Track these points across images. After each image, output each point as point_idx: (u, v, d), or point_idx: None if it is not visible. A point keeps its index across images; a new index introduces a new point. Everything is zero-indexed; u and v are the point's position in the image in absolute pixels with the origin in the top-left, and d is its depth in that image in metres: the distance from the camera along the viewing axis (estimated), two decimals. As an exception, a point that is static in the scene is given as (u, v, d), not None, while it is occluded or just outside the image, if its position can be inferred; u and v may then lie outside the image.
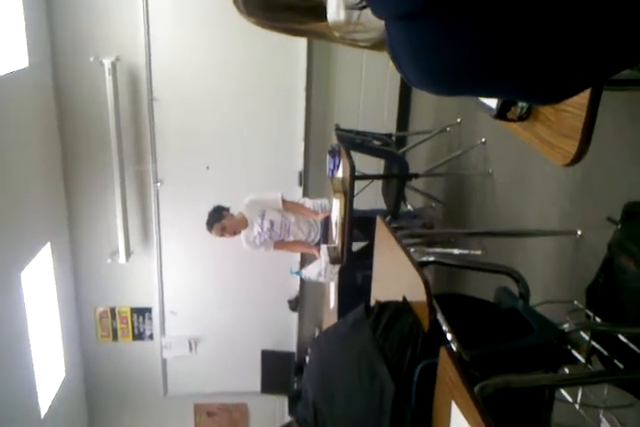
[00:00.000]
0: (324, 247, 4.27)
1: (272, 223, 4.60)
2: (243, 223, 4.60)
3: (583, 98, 1.29)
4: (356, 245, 4.08)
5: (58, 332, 5.94)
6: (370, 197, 4.81)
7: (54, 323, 5.87)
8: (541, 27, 0.68)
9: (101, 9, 5.43)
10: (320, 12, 1.14)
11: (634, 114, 2.43)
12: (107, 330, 6.61)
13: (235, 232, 4.58)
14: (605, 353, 1.92)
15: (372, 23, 1.01)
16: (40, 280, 5.45)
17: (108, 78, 5.45)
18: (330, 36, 1.17)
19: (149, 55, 5.62)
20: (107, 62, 5.42)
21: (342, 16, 1.09)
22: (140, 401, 6.85)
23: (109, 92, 5.50)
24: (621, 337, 1.87)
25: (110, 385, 6.73)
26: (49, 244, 5.57)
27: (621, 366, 1.88)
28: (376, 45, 1.10)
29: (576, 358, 1.93)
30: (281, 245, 4.77)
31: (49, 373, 5.67)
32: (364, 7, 0.91)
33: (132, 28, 5.51)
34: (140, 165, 5.99)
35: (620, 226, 2.00)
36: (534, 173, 3.34)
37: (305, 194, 5.91)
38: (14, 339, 4.83)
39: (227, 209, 4.61)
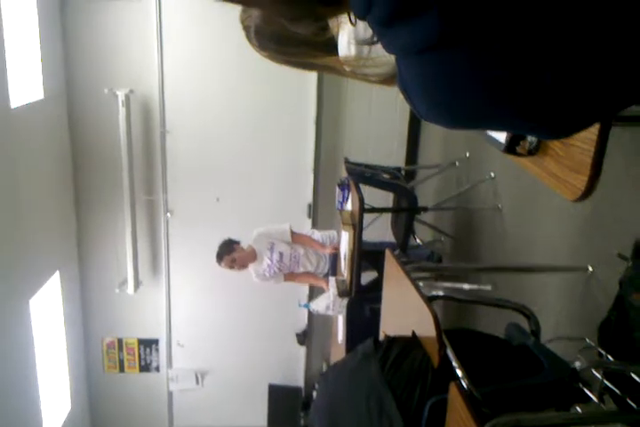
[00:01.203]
0: (332, 280, 4.25)
1: (281, 255, 4.60)
2: (252, 256, 4.61)
3: (592, 133, 1.29)
4: (365, 278, 4.06)
5: (64, 362, 5.90)
6: (379, 231, 4.81)
7: (61, 352, 5.84)
8: (553, 62, 0.68)
9: (116, 42, 5.56)
10: (332, 47, 1.15)
11: (642, 150, 2.43)
12: (113, 361, 6.56)
13: (244, 265, 4.59)
14: (618, 392, 1.89)
15: (383, 58, 1.02)
16: (48, 309, 5.44)
17: (122, 110, 5.53)
18: (341, 71, 1.18)
19: (162, 88, 5.71)
20: (120, 94, 5.51)
21: (353, 51, 1.10)
22: (145, 434, 6.75)
23: (122, 124, 5.58)
24: (634, 376, 1.83)
25: (116, 417, 6.65)
26: (58, 272, 5.58)
27: (634, 405, 1.84)
28: (386, 80, 1.11)
29: (588, 396, 1.89)
30: (290, 276, 4.76)
31: (55, 404, 5.62)
32: (375, 42, 0.93)
33: (145, 60, 5.62)
34: (150, 195, 6.03)
35: (631, 263, 1.98)
36: (544, 207, 3.34)
37: (314, 226, 5.91)
38: (21, 368, 4.80)
39: (237, 242, 4.62)
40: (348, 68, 1.16)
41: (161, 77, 5.67)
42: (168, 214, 6.07)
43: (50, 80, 5.28)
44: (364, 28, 0.99)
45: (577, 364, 1.80)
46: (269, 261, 4.59)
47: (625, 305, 1.94)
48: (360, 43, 1.02)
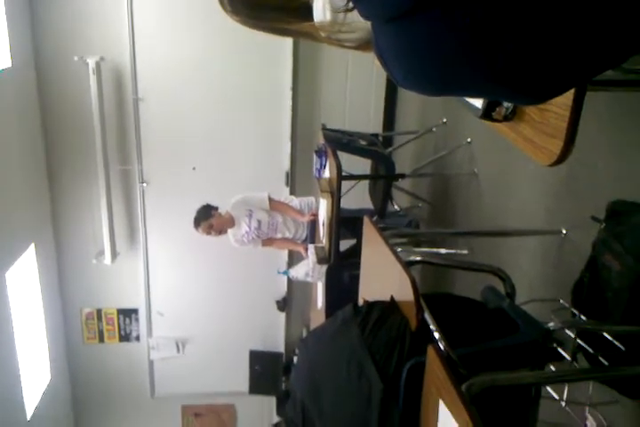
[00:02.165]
0: (311, 247, 4.27)
1: (259, 223, 4.60)
2: (230, 222, 4.60)
3: (567, 98, 1.30)
4: (344, 245, 4.09)
5: (43, 334, 5.90)
6: (357, 197, 4.82)
7: (39, 325, 5.83)
8: (528, 27, 0.68)
9: (85, 8, 5.40)
10: (306, 12, 1.14)
11: (616, 114, 2.45)
12: (93, 332, 6.57)
13: (221, 231, 4.58)
14: (591, 351, 1.94)
15: (359, 24, 1.01)
16: (25, 282, 5.40)
17: (93, 78, 5.42)
18: (316, 36, 1.17)
19: (134, 55, 5.59)
20: (91, 62, 5.38)
21: (328, 16, 1.09)
22: (127, 403, 6.81)
23: (94, 92, 5.47)
24: (606, 335, 1.88)
25: (97, 387, 6.69)
26: (33, 245, 5.53)
27: (606, 363, 1.90)
28: (362, 46, 1.10)
29: (562, 355, 1.94)
30: (268, 241, 4.78)
31: (34, 375, 5.63)
32: (351, 9, 0.92)
33: (116, 27, 5.48)
34: (125, 165, 5.96)
35: (604, 225, 2.01)
36: (519, 172, 3.37)
37: (292, 193, 5.90)
38: (-1, 341, 4.80)
39: (215, 208, 4.61)
40: (323, 34, 1.15)
41: (132, 44, 5.54)
42: (144, 184, 6.01)
43: (17, 48, 5.13)
44: (339, -7, 0.98)
45: (551, 324, 1.84)
46: (247, 228, 4.59)
47: (597, 266, 1.98)
48: (335, 9, 1.01)
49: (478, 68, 0.73)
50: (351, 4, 0.89)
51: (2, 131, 4.89)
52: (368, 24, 0.88)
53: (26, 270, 5.43)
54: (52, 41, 5.48)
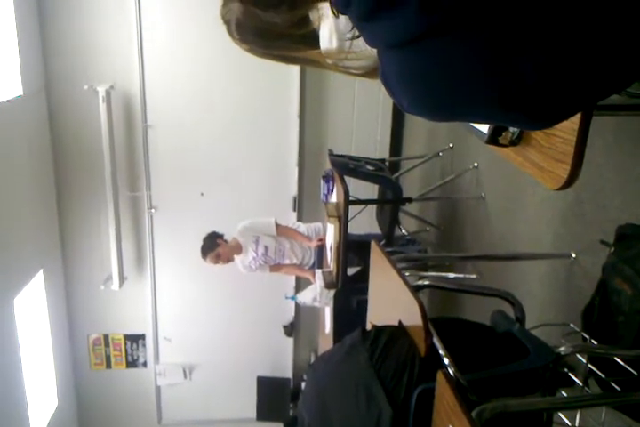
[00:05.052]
0: (318, 272, 4.26)
1: (266, 249, 4.61)
2: (237, 249, 4.61)
3: (574, 123, 1.31)
4: (351, 270, 4.08)
5: (50, 359, 5.87)
6: (364, 222, 4.82)
7: (47, 350, 5.81)
8: (532, 52, 0.69)
9: (96, 37, 5.50)
10: (313, 40, 1.15)
11: (622, 138, 2.46)
12: (100, 357, 6.54)
13: (229, 259, 4.60)
14: (602, 376, 1.92)
15: (365, 51, 1.03)
16: (33, 307, 5.40)
17: (102, 106, 5.48)
18: (323, 64, 1.18)
19: (143, 83, 5.67)
20: (101, 90, 5.45)
21: (335, 44, 1.11)
22: (134, 430, 6.75)
23: (103, 120, 5.53)
24: (618, 360, 1.86)
25: (104, 413, 6.63)
26: (42, 270, 5.54)
27: (618, 388, 1.88)
28: (368, 73, 1.11)
29: (573, 380, 1.92)
30: (276, 267, 4.78)
31: (41, 401, 5.59)
32: (357, 36, 0.93)
33: (126, 56, 5.57)
34: (133, 191, 6.00)
35: (613, 248, 2.01)
36: (527, 196, 3.37)
37: (299, 219, 5.92)
38: (6, 366, 4.77)
39: (221, 236, 4.62)
40: (329, 61, 1.17)
41: (142, 72, 5.62)
42: (152, 210, 6.04)
43: (29, 76, 5.21)
44: (345, 21, 1.00)
45: (561, 349, 1.82)
46: (255, 254, 4.60)
47: (608, 290, 1.97)
48: (342, 37, 1.02)
49: (487, 94, 0.74)
50: (357, 32, 0.91)
51: (12, 158, 4.94)
52: (374, 51, 0.89)
53: (34, 296, 5.43)
54: (63, 69, 5.56)
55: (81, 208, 5.95)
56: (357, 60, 1.08)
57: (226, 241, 4.61)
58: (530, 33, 0.69)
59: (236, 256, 4.64)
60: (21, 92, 5.08)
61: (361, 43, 0.96)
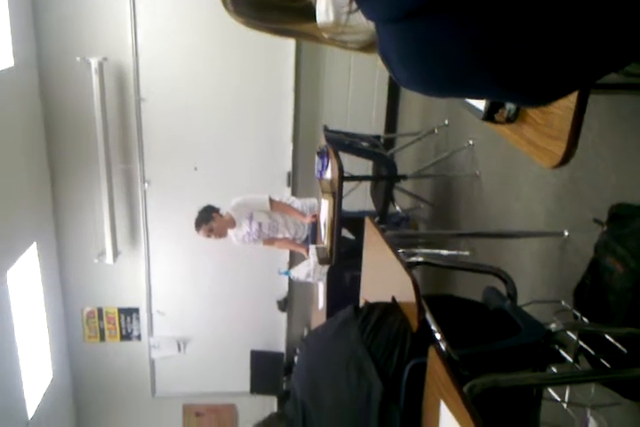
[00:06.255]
0: (312, 248, 4.28)
1: (260, 225, 4.62)
2: (230, 224, 4.62)
3: (570, 101, 1.30)
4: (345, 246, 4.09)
5: (45, 332, 5.90)
6: (358, 199, 4.83)
7: (41, 324, 5.83)
8: (531, 29, 0.69)
9: (88, 8, 5.41)
10: (309, 13, 1.14)
11: (618, 117, 2.45)
12: (94, 330, 6.58)
13: (221, 235, 4.60)
14: (592, 353, 1.94)
15: (362, 25, 1.01)
16: (26, 280, 5.41)
17: (95, 78, 5.42)
18: (319, 38, 1.17)
19: (137, 55, 5.60)
20: (93, 62, 5.39)
21: (331, 17, 1.09)
22: (129, 402, 6.82)
23: (96, 92, 5.48)
24: (608, 337, 1.88)
25: (98, 386, 6.70)
26: (35, 244, 5.53)
27: (608, 365, 1.90)
28: (365, 47, 1.10)
29: (563, 357, 1.94)
30: (270, 241, 4.80)
31: (36, 374, 5.64)
32: (355, 10, 0.92)
33: (119, 27, 5.49)
34: (127, 164, 5.96)
35: (605, 227, 2.02)
36: (521, 174, 3.37)
37: (293, 194, 5.91)
38: (0, 339, 4.80)
39: (216, 210, 4.61)
40: (325, 35, 1.15)
41: (135, 45, 5.55)
42: (145, 184, 6.02)
43: (20, 47, 5.13)
44: (342, -6, 0.98)
45: (552, 326, 1.84)
46: (249, 229, 4.61)
47: (599, 269, 1.99)
48: (338, 10, 1.01)
49: (486, 71, 0.73)
50: (354, 6, 0.89)
51: (4, 130, 4.89)
52: (371, 26, 0.88)
53: (27, 269, 5.43)
54: (55, 41, 5.48)
55: (74, 181, 5.92)
56: (354, 34, 1.06)
57: (221, 215, 4.61)
58: (529, 10, 0.68)
59: (229, 230, 4.66)
60: (12, 64, 5.01)
61: (358, 17, 0.95)
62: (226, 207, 4.66)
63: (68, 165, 5.88)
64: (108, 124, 5.67)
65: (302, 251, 4.77)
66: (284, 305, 6.65)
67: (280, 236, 4.73)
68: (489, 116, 1.51)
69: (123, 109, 5.80)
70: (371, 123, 5.92)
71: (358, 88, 5.89)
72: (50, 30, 5.45)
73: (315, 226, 4.55)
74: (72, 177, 5.91)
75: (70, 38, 5.46)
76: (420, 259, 2.38)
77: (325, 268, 4.23)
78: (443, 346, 1.63)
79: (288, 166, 6.10)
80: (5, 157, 4.90)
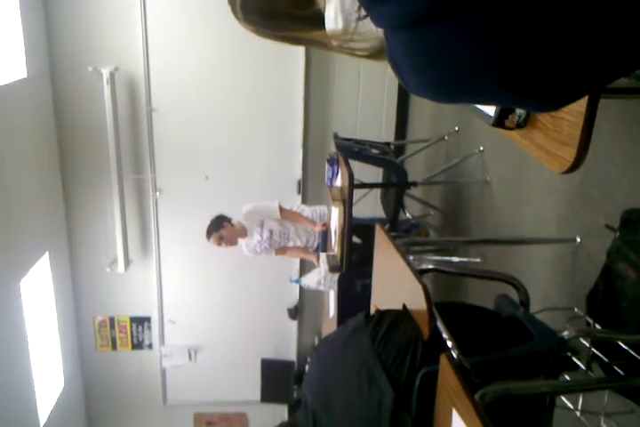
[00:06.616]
0: (323, 255, 4.27)
1: (271, 232, 4.62)
2: (242, 233, 4.63)
3: (581, 106, 1.29)
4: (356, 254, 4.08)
5: (57, 341, 5.93)
6: (369, 206, 4.82)
7: (53, 332, 5.85)
8: (541, 33, 0.69)
9: (100, 19, 5.46)
10: (318, 21, 1.14)
11: (629, 122, 2.44)
12: (106, 339, 6.59)
13: (232, 243, 4.61)
14: (606, 360, 1.92)
15: (371, 32, 1.02)
16: (39, 289, 5.44)
17: (107, 88, 5.47)
18: (328, 45, 1.17)
19: (148, 65, 5.64)
20: (105, 72, 5.43)
21: (340, 25, 1.10)
22: (140, 410, 6.82)
23: (108, 102, 5.52)
24: (621, 344, 1.87)
25: (109, 394, 6.71)
26: (47, 253, 5.56)
27: (622, 372, 1.88)
28: (374, 55, 1.10)
29: (576, 364, 1.93)
30: (282, 250, 4.80)
31: (48, 382, 5.65)
32: (363, 17, 0.92)
33: (130, 38, 5.54)
34: (138, 174, 6.00)
35: (618, 233, 2.00)
36: (532, 180, 3.35)
37: (304, 202, 5.92)
38: (13, 348, 4.82)
39: (228, 219, 4.63)
40: (335, 43, 1.16)
41: (146, 55, 5.59)
42: (157, 193, 6.04)
43: (33, 58, 5.19)
44: (351, 1, 0.99)
45: (565, 333, 1.82)
46: (260, 237, 4.62)
47: (612, 275, 1.97)
48: (347, 17, 1.01)
49: (495, 75, 0.73)
50: (363, 13, 0.89)
51: (17, 140, 4.94)
52: (380, 33, 0.88)
53: (40, 279, 5.46)
54: (67, 51, 5.54)
55: (86, 191, 5.96)
56: (363, 41, 1.07)
57: (232, 225, 4.62)
58: (539, 14, 0.68)
59: (240, 240, 4.66)
60: (25, 75, 5.07)
61: (367, 24, 0.95)
62: (237, 217, 4.67)
63: (80, 174, 5.92)
64: (119, 133, 5.71)
65: (313, 259, 4.77)
66: (295, 313, 6.64)
67: (291, 244, 4.72)
68: (499, 121, 1.51)
69: (134, 119, 5.85)
70: (381, 130, 5.92)
71: (368, 95, 5.90)
72: (62, 40, 5.51)
73: (325, 234, 4.55)
74: (84, 187, 5.95)
75: (82, 48, 5.52)
76: (431, 266, 2.37)
77: (336, 275, 4.23)
78: (454, 354, 1.62)
79: (298, 174, 6.11)
80: (18, 167, 4.94)
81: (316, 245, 4.72)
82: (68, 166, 5.89)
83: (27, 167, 5.16)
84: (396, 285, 2.09)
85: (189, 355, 6.68)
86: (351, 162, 4.03)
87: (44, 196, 5.58)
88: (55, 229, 5.87)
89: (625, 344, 1.86)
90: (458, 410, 1.38)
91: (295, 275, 6.05)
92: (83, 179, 5.93)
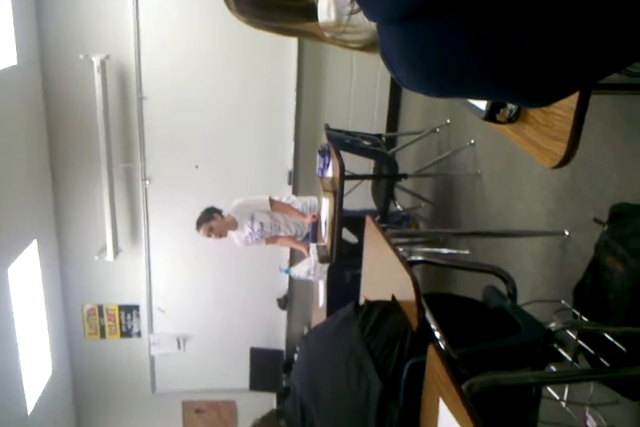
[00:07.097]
0: (313, 246, 4.28)
1: (262, 225, 4.65)
2: (232, 225, 4.64)
3: (572, 101, 1.30)
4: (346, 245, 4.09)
5: (45, 329, 5.92)
6: (359, 197, 4.83)
7: (41, 320, 5.84)
8: (533, 28, 0.69)
9: (91, 7, 5.41)
10: (311, 13, 1.14)
11: (619, 117, 2.45)
12: (94, 327, 6.59)
13: (221, 234, 4.61)
14: (592, 352, 1.94)
15: (363, 25, 1.02)
16: (27, 277, 5.42)
17: (97, 76, 5.43)
18: (321, 37, 1.17)
19: (139, 53, 5.60)
20: (96, 60, 5.39)
21: (333, 17, 1.10)
22: (128, 399, 6.83)
23: (98, 90, 5.48)
24: (607, 336, 1.89)
25: (98, 383, 6.71)
26: (35, 241, 5.54)
27: (607, 364, 1.91)
28: (367, 47, 1.10)
29: (563, 356, 1.95)
30: (272, 239, 4.83)
31: (36, 370, 5.65)
32: (356, 11, 0.92)
33: (121, 26, 5.49)
34: (128, 162, 5.97)
35: (606, 227, 2.02)
36: (523, 174, 3.37)
37: (294, 193, 5.91)
38: (1, 335, 4.81)
39: (219, 211, 4.63)
40: (327, 35, 1.16)
41: (137, 43, 5.55)
42: (147, 182, 6.02)
43: (23, 46, 5.14)
44: (345, -6, 0.99)
45: (552, 325, 1.84)
46: (250, 230, 4.64)
47: (599, 268, 1.99)
48: (340, 10, 1.01)
49: (487, 70, 0.74)
50: (356, 5, 0.90)
51: (6, 128, 4.90)
52: (373, 25, 0.89)
53: (28, 266, 5.44)
54: (58, 39, 5.48)
55: (75, 178, 5.93)
56: (355, 33, 1.07)
57: (222, 216, 4.62)
58: (530, 9, 0.68)
59: (231, 232, 4.67)
60: (15, 62, 5.02)
61: (359, 16, 0.95)
62: (228, 208, 4.67)
63: (70, 162, 5.88)
64: (109, 121, 5.67)
65: (303, 249, 4.79)
66: (285, 303, 6.66)
67: (282, 234, 4.75)
68: (490, 115, 1.51)
69: (125, 107, 5.81)
70: (372, 121, 5.92)
71: (360, 87, 5.89)
72: (53, 28, 5.45)
73: (315, 225, 4.56)
74: (73, 174, 5.92)
75: (73, 36, 5.47)
76: (421, 258, 2.38)
77: (326, 266, 4.24)
78: (442, 345, 1.64)
79: (289, 165, 6.10)
80: (7, 155, 4.91)
81: (304, 235, 4.74)
82: (58, 154, 5.85)
83: (16, 155, 5.12)
84: (385, 276, 2.10)
85: (178, 343, 6.70)
86: (342, 153, 4.03)
87: (33, 183, 5.55)
88: (43, 216, 5.84)
89: (611, 336, 1.88)
90: (445, 400, 1.40)
91: (285, 265, 6.06)
92: (72, 167, 5.89)
